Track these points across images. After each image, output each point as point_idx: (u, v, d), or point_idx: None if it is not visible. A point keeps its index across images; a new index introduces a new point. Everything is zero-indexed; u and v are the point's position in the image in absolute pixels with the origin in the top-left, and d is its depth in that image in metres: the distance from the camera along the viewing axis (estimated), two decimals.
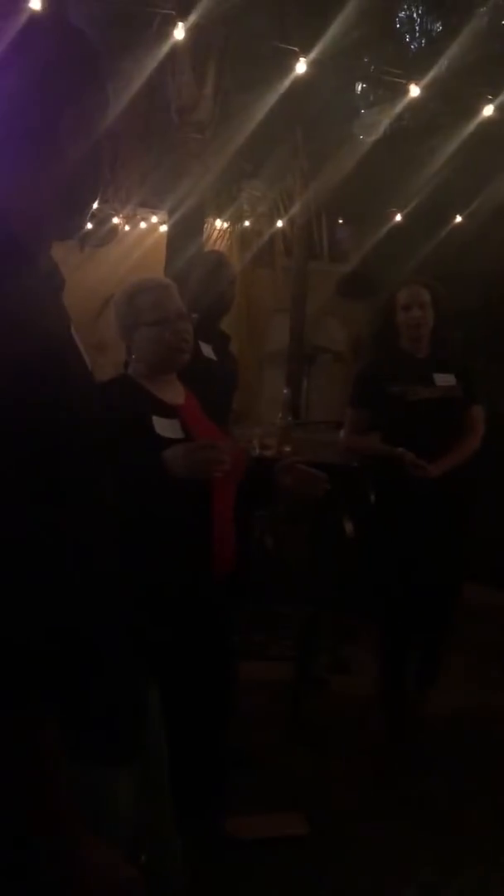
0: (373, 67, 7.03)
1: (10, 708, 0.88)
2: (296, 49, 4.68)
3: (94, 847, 0.95)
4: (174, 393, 2.33)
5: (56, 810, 0.92)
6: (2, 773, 0.91)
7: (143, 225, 8.47)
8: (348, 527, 3.81)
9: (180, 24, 4.45)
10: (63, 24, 1.16)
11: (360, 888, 2.47)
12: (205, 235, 7.30)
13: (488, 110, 5.45)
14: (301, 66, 4.68)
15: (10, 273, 0.98)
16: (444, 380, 3.28)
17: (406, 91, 5.24)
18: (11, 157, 1.08)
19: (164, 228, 7.64)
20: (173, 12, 4.65)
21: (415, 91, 5.12)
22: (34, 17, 1.13)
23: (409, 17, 8.95)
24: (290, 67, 4.81)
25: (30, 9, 1.16)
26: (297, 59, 4.67)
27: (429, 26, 8.89)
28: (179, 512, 2.12)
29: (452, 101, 6.52)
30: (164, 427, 2.17)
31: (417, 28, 8.94)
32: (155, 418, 2.17)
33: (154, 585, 1.84)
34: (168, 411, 2.22)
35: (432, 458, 3.15)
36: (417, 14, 8.87)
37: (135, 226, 8.50)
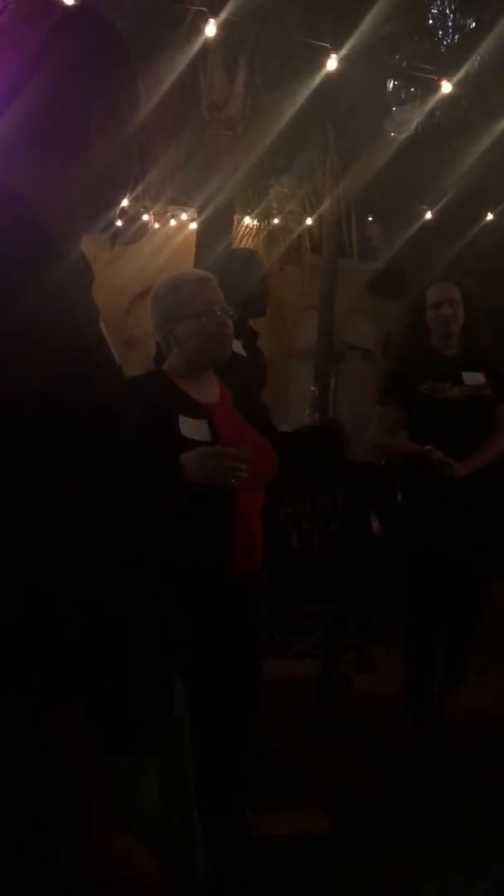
0: (405, 64, 6.98)
1: (40, 694, 0.89)
2: (327, 45, 4.67)
3: (117, 837, 0.95)
4: (209, 390, 2.29)
5: (81, 798, 0.92)
6: (28, 759, 0.92)
7: (172, 222, 8.50)
8: (375, 525, 3.80)
9: (212, 21, 4.45)
10: (95, 18, 1.16)
11: (383, 887, 2.46)
12: (234, 233, 7.30)
13: None
14: (332, 63, 4.67)
15: (42, 266, 0.98)
16: (473, 378, 3.25)
17: (438, 87, 5.20)
18: (42, 151, 1.08)
19: (193, 226, 7.65)
20: (205, 9, 4.65)
21: (447, 87, 5.08)
22: (66, 11, 1.13)
23: (442, 13, 8.89)
24: (322, 64, 4.80)
25: (62, 3, 1.16)
26: (329, 56, 4.65)
27: (462, 22, 8.82)
28: (200, 512, 2.09)
29: (485, 97, 6.48)
30: (190, 427, 2.14)
31: (450, 24, 8.87)
32: (182, 418, 2.14)
33: (178, 581, 1.85)
34: (198, 411, 2.19)
35: (460, 457, 3.13)
36: (450, 10, 8.80)
37: (165, 223, 8.53)
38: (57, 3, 1.15)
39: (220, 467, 2.04)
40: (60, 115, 1.08)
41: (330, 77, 5.01)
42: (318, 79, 5.05)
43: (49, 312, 0.95)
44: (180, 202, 8.03)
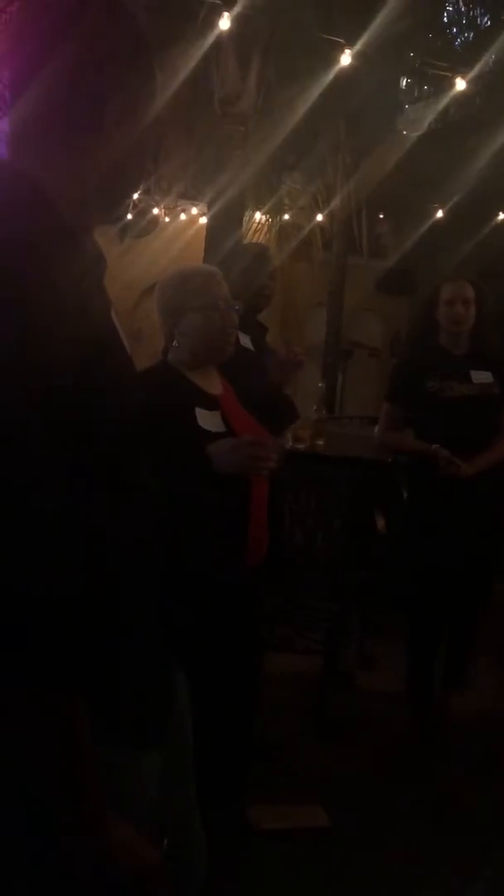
0: (418, 62, 6.96)
1: (44, 682, 0.89)
2: (341, 41, 4.65)
3: (118, 828, 0.95)
4: (213, 383, 2.31)
5: (82, 788, 0.93)
6: (31, 748, 0.92)
7: (182, 216, 8.51)
8: (380, 522, 3.80)
9: (226, 15, 4.43)
10: (116, 8, 1.14)
11: (381, 883, 2.46)
12: (244, 228, 7.30)
13: None
14: (346, 58, 4.65)
15: (58, 257, 0.98)
16: (482, 377, 3.24)
17: (451, 85, 5.18)
18: (58, 141, 1.08)
19: (203, 220, 7.65)
20: (220, 2, 4.64)
21: (461, 84, 5.06)
22: (88, 0, 1.11)
23: (457, 10, 8.86)
24: (335, 60, 4.78)
25: None
26: (342, 52, 4.63)
27: (478, 20, 8.79)
28: (219, 503, 2.11)
29: (499, 95, 6.45)
30: (207, 419, 2.15)
31: (465, 21, 8.85)
32: (198, 410, 2.15)
33: (186, 572, 1.85)
34: (210, 403, 2.21)
35: (467, 456, 3.12)
36: (465, 7, 8.77)
37: (175, 217, 8.54)
38: None
39: (252, 457, 2.06)
40: (77, 106, 1.07)
41: (343, 74, 4.99)
42: (330, 75, 5.03)
43: (62, 299, 0.95)
44: (190, 196, 8.03)
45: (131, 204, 1.44)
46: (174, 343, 2.29)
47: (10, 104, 1.08)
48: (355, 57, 4.74)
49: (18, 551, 0.88)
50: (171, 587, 1.19)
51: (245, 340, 3.19)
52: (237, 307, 2.41)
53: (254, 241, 8.29)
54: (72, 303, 0.96)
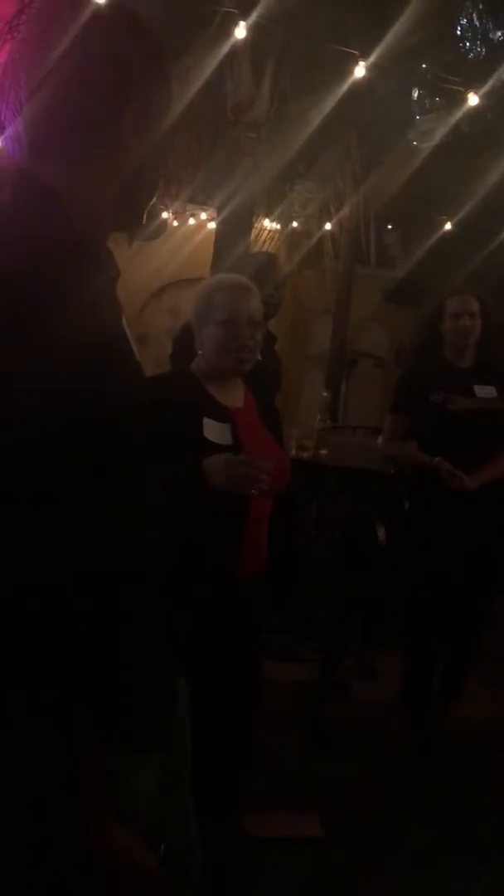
0: (429, 75, 6.98)
1: (46, 685, 0.90)
2: (356, 52, 4.67)
3: (117, 830, 0.95)
4: (234, 396, 2.31)
5: (82, 790, 0.93)
6: (32, 750, 0.93)
7: (191, 221, 8.51)
8: (381, 532, 3.81)
9: (242, 23, 4.45)
10: (132, 17, 1.15)
11: (375, 891, 2.47)
12: (253, 235, 7.31)
13: None
14: (360, 70, 4.66)
15: (73, 264, 0.99)
16: (485, 392, 3.26)
17: (464, 99, 5.19)
18: (73, 148, 1.08)
19: (212, 225, 7.66)
20: (235, 10, 4.65)
21: (473, 100, 5.07)
22: (104, 8, 1.12)
23: (471, 24, 8.88)
24: (349, 71, 4.79)
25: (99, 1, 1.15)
26: (357, 63, 4.65)
27: (491, 34, 8.81)
28: (214, 514, 2.11)
29: None
30: (214, 430, 2.15)
31: (480, 35, 8.86)
32: (206, 420, 2.16)
33: (184, 579, 1.86)
34: (222, 415, 2.21)
35: (470, 469, 3.13)
36: (480, 21, 8.79)
37: (183, 222, 8.54)
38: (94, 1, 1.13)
39: (244, 476, 2.06)
40: (94, 115, 1.08)
41: (356, 84, 5.00)
42: (344, 86, 5.04)
43: (74, 306, 0.96)
44: (199, 201, 8.04)
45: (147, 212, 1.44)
46: (199, 351, 2.30)
47: (26, 113, 1.09)
48: (369, 69, 4.76)
49: (21, 554, 0.89)
50: (171, 592, 1.20)
51: None
52: (265, 325, 2.38)
53: (263, 247, 8.32)
54: (82, 310, 0.97)
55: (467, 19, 8.87)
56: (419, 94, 8.27)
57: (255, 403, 2.37)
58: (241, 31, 4.50)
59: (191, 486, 2.02)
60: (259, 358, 3.27)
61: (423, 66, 7.29)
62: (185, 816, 1.35)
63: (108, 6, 1.12)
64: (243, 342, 2.24)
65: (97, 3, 1.13)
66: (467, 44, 8.71)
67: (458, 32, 8.63)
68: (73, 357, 0.94)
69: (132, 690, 1.06)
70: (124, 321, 1.14)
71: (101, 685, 0.96)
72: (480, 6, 8.50)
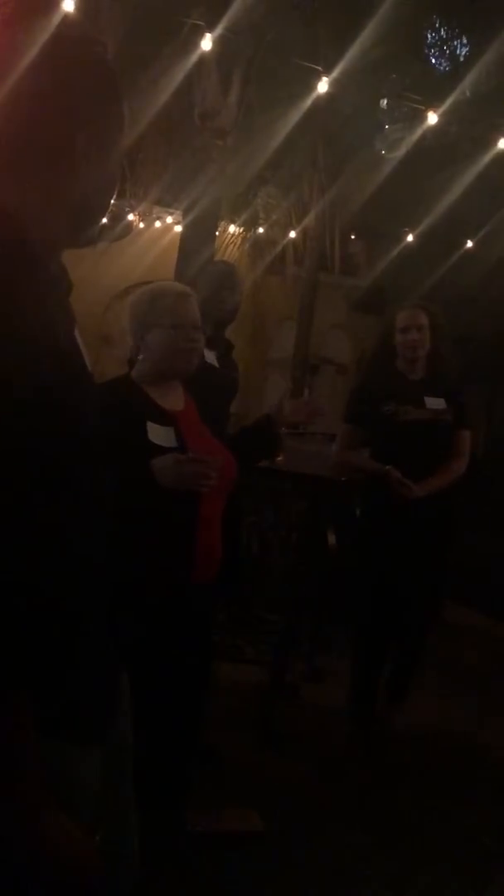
0: (396, 90, 7.08)
1: None
2: (319, 68, 4.74)
3: (56, 819, 0.99)
4: (174, 399, 2.37)
5: (25, 781, 0.97)
6: None
7: (157, 223, 8.54)
8: (331, 538, 3.88)
9: (208, 35, 4.49)
10: (86, 44, 1.17)
11: (310, 885, 2.54)
12: (218, 240, 7.35)
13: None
14: (323, 86, 4.73)
15: (23, 279, 1.03)
16: (435, 403, 3.34)
17: (424, 118, 5.29)
18: (25, 173, 1.12)
19: (178, 228, 7.70)
20: (202, 23, 4.70)
21: (432, 118, 5.17)
22: (58, 36, 1.13)
23: (438, 36, 8.96)
24: (314, 85, 4.85)
25: (54, 22, 1.15)
26: (320, 79, 4.72)
27: (458, 50, 8.91)
28: (165, 516, 2.16)
29: (473, 127, 6.59)
30: (158, 434, 2.20)
31: (446, 50, 8.96)
32: (150, 424, 2.21)
33: (134, 580, 1.91)
34: (164, 418, 2.26)
35: (418, 479, 3.21)
36: (447, 35, 8.86)
37: (150, 223, 8.56)
38: (48, 25, 1.14)
39: (192, 474, 2.11)
40: (46, 140, 1.12)
41: (322, 95, 5.06)
42: (309, 101, 5.11)
43: (28, 326, 1.00)
44: (165, 203, 8.06)
45: (99, 228, 1.47)
46: (139, 357, 2.36)
47: None
48: (335, 83, 4.83)
49: None
50: (118, 596, 1.25)
51: (210, 357, 3.26)
52: (207, 332, 2.47)
53: (227, 252, 8.37)
54: (35, 328, 1.01)
55: (434, 32, 8.97)
56: (387, 103, 8.35)
57: (196, 405, 2.44)
58: (206, 44, 4.54)
59: (141, 489, 2.07)
60: (215, 365, 3.34)
61: (393, 75, 7.38)
62: (124, 810, 1.38)
63: (62, 33, 1.14)
64: (192, 344, 2.32)
65: (52, 30, 1.15)
66: (433, 59, 8.82)
67: (426, 48, 8.73)
68: (25, 370, 0.98)
69: (74, 685, 1.10)
70: (77, 332, 1.18)
71: (44, 679, 1.00)
72: (448, 20, 8.62)
